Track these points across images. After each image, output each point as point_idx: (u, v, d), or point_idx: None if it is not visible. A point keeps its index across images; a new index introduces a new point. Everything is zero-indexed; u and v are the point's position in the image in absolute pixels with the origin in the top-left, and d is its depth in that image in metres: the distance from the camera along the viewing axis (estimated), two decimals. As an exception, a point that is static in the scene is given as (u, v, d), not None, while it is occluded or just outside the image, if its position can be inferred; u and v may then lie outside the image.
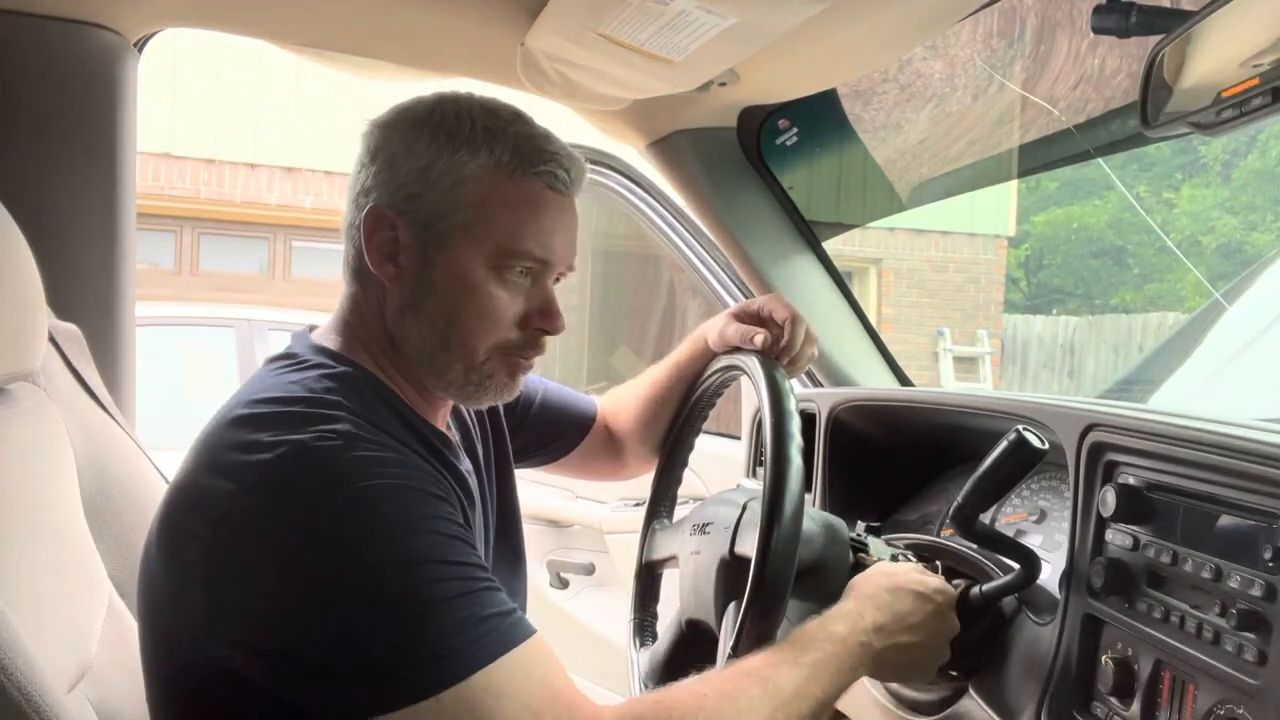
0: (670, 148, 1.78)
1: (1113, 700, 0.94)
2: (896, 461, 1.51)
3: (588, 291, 3.25)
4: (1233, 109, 0.83)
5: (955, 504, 1.03)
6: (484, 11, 1.40)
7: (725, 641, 1.04)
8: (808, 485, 1.26)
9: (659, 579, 1.36)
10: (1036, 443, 0.99)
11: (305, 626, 0.81)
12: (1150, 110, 0.93)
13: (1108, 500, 0.97)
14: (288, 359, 0.98)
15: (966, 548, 1.18)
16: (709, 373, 1.29)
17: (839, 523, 1.15)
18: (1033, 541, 1.18)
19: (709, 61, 1.35)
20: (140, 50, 1.55)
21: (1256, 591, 0.80)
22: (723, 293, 1.95)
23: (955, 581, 1.11)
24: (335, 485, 0.82)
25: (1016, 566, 1.06)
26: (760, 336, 1.18)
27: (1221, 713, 0.83)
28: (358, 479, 0.83)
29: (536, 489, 2.33)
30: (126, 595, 1.08)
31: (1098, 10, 1.10)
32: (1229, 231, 12.92)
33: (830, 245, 1.88)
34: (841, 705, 1.00)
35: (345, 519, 0.82)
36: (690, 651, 1.16)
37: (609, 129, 1.80)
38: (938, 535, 1.30)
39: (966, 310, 10.05)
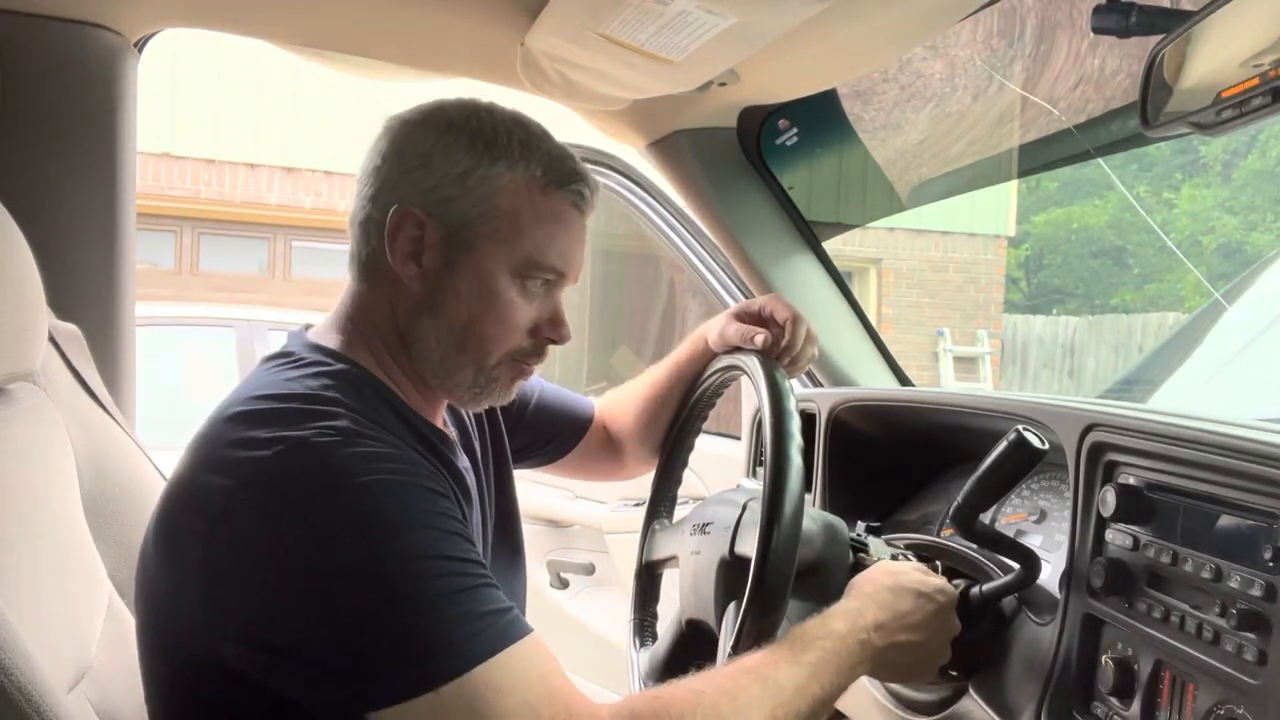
0: (670, 148, 1.78)
1: (1113, 700, 0.94)
2: (896, 461, 1.51)
3: (588, 291, 3.25)
4: (1233, 109, 0.83)
5: (955, 504, 1.03)
6: (484, 11, 1.40)
7: (725, 641, 1.04)
8: (808, 485, 1.26)
9: (659, 579, 1.36)
10: (1036, 443, 0.99)
11: (304, 622, 0.81)
12: (1150, 110, 0.93)
13: (1108, 500, 0.97)
14: (284, 357, 0.98)
15: (966, 548, 1.18)
16: (709, 373, 1.29)
17: (839, 523, 1.15)
18: (1033, 541, 1.18)
19: (709, 61, 1.35)
20: (140, 50, 1.55)
21: (1256, 591, 0.80)
22: (723, 293, 1.95)
23: (955, 581, 1.11)
24: (334, 480, 0.83)
25: (1016, 566, 1.06)
26: (761, 336, 1.18)
27: (1221, 713, 0.83)
28: (357, 474, 0.83)
29: (537, 489, 2.33)
30: (126, 595, 1.08)
31: (1098, 10, 1.10)
32: (1229, 231, 12.92)
33: (830, 245, 1.87)
34: (841, 705, 1.00)
35: (344, 514, 0.82)
36: (690, 651, 1.16)
37: (609, 129, 1.80)
38: (938, 535, 1.30)
39: (966, 310, 10.05)
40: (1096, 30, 1.11)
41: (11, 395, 0.99)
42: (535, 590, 2.35)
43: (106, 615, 1.05)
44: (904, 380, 1.86)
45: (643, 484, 1.42)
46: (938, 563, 1.17)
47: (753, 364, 1.14)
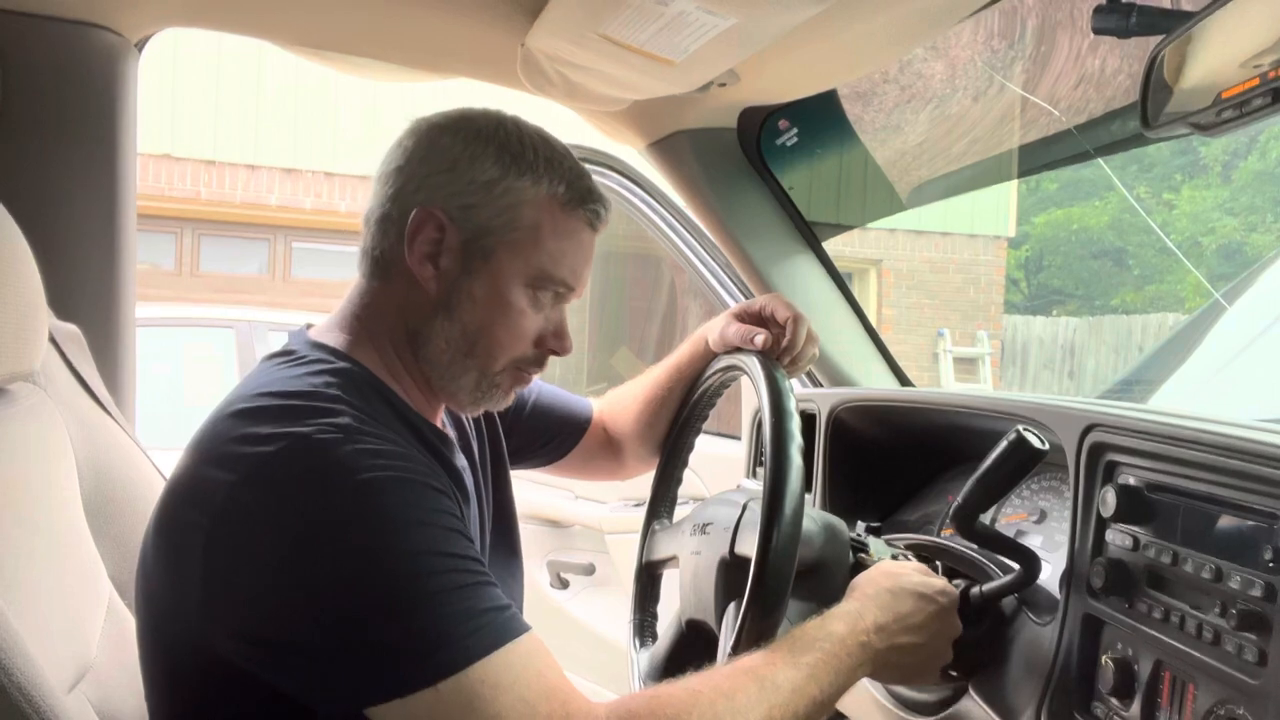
0: (670, 148, 1.78)
1: (1113, 700, 0.94)
2: (896, 461, 1.51)
3: (588, 292, 3.24)
4: (1233, 109, 0.83)
5: (955, 504, 1.03)
6: (484, 12, 1.40)
7: (725, 641, 1.04)
8: (808, 485, 1.26)
9: (659, 579, 1.36)
10: (1036, 443, 0.99)
11: (303, 617, 0.81)
12: (1150, 111, 0.93)
13: (1108, 500, 0.97)
14: (286, 355, 0.98)
15: (966, 548, 1.18)
16: (709, 373, 1.29)
17: (839, 523, 1.15)
18: (1033, 541, 1.18)
19: (709, 62, 1.35)
20: (140, 50, 1.55)
21: (1256, 591, 0.80)
22: (723, 293, 1.95)
23: (955, 581, 1.11)
24: (335, 477, 0.83)
25: (1016, 567, 1.06)
26: (761, 336, 1.18)
27: (1221, 713, 0.83)
28: (358, 471, 0.83)
29: (537, 489, 2.33)
30: (126, 595, 1.08)
31: (1098, 11, 1.10)
32: (1229, 232, 12.93)
33: (830, 246, 1.87)
34: (841, 705, 1.00)
35: (345, 510, 0.82)
36: (690, 652, 1.16)
37: (609, 129, 1.80)
38: (938, 535, 1.30)
39: (966, 311, 10.05)
40: (1097, 31, 1.11)
41: (11, 395, 0.99)
42: (535, 590, 2.36)
43: (106, 615, 1.05)
44: (904, 381, 1.86)
45: (643, 484, 1.42)
46: (938, 563, 1.17)
47: (753, 364, 1.14)
